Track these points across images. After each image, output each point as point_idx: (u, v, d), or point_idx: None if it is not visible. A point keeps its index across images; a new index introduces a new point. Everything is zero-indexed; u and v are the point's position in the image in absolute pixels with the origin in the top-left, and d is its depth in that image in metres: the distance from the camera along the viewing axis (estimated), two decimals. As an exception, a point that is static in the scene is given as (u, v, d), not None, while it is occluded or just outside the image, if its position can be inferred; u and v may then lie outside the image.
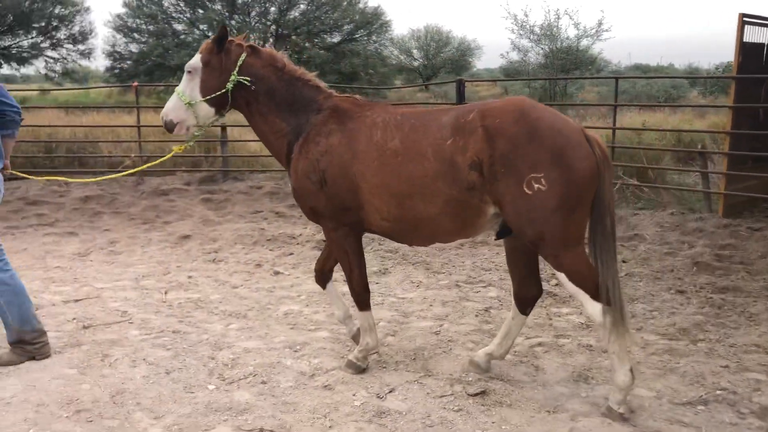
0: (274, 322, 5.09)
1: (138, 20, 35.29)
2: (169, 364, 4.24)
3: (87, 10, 37.03)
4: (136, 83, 11.00)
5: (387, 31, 37.18)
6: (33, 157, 11.69)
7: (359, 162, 3.92)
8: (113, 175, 6.36)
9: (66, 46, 38.07)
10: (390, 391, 3.90)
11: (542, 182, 3.47)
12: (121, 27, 35.73)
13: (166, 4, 35.77)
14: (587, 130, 3.67)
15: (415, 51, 54.46)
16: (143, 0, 35.10)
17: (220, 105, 4.22)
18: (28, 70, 40.39)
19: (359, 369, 4.18)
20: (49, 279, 6.28)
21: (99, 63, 41.28)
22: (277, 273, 6.50)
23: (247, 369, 4.17)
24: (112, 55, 36.71)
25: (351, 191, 3.96)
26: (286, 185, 10.82)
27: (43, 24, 36.90)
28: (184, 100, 4.16)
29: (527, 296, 4.05)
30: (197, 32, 34.94)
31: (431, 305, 5.48)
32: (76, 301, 5.57)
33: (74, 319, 5.11)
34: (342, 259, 4.21)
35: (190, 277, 6.36)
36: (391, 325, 5.01)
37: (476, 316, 5.21)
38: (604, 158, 3.58)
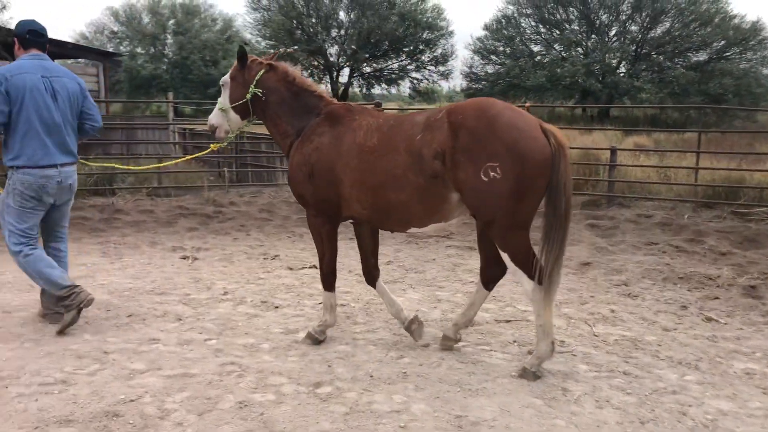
0: (738, 381, 4.43)
1: (496, 42, 36.68)
2: (639, 413, 3.87)
3: (451, 33, 39.76)
4: (528, 104, 11.09)
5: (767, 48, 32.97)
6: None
7: (342, 159, 4.52)
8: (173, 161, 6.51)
9: (429, 67, 41.39)
10: None
11: (497, 171, 3.96)
12: (480, 49, 37.57)
13: (524, 26, 36.65)
14: (545, 123, 4.17)
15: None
16: (503, 23, 36.41)
17: (244, 113, 5.00)
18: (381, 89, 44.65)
19: (316, 341, 4.84)
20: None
21: (455, 83, 43.91)
22: (710, 320, 5.78)
23: (737, 438, 3.61)
24: (469, 75, 38.82)
25: (333, 184, 4.56)
26: (679, 216, 9.93)
27: (411, 48, 40.64)
28: (220, 108, 5.02)
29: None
30: (554, 52, 35.13)
31: None
32: (507, 321, 5.57)
33: (515, 341, 5.08)
34: (317, 243, 4.86)
35: (612, 310, 5.99)
36: None
37: None
38: (560, 147, 4.05)
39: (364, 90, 42.70)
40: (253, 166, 14.98)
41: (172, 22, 48.23)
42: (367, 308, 5.82)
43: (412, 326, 4.92)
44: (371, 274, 5.03)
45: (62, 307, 4.89)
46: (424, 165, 4.19)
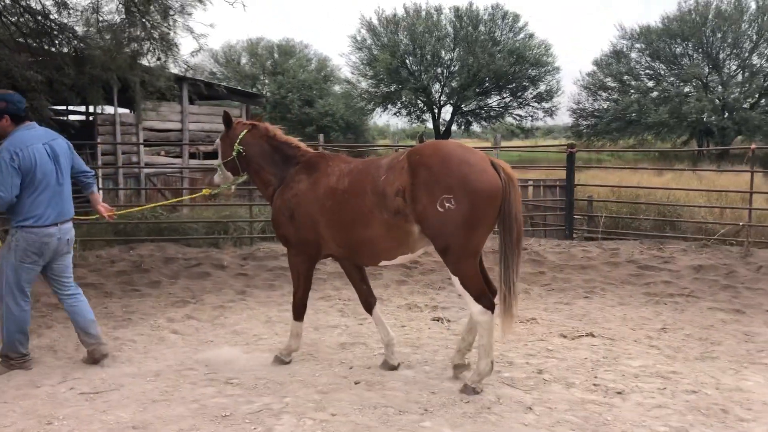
0: None
1: (606, 78, 35.48)
2: None
3: (557, 70, 38.75)
4: (754, 146, 9.99)
5: None
6: (619, 218, 11.58)
7: (318, 203, 5.03)
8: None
9: (532, 104, 40.43)
10: None
11: (452, 202, 4.44)
12: (589, 84, 36.42)
13: (636, 61, 35.34)
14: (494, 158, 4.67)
15: None
16: (616, 57, 35.22)
17: (233, 169, 5.63)
18: (476, 126, 43.64)
19: (283, 362, 5.37)
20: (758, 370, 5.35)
21: (561, 120, 42.69)
22: None
23: None
24: (576, 111, 37.65)
25: (312, 225, 5.07)
26: None
27: (514, 85, 39.83)
28: (217, 165, 5.72)
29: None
30: (670, 88, 33.59)
31: None
32: None
33: None
34: (294, 279, 5.37)
35: None
36: None
37: None
38: (509, 180, 4.56)
39: (464, 127, 42.04)
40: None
41: (269, 62, 49.10)
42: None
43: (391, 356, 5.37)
44: (368, 302, 5.46)
45: (4, 358, 5.36)
46: (387, 202, 4.66)
